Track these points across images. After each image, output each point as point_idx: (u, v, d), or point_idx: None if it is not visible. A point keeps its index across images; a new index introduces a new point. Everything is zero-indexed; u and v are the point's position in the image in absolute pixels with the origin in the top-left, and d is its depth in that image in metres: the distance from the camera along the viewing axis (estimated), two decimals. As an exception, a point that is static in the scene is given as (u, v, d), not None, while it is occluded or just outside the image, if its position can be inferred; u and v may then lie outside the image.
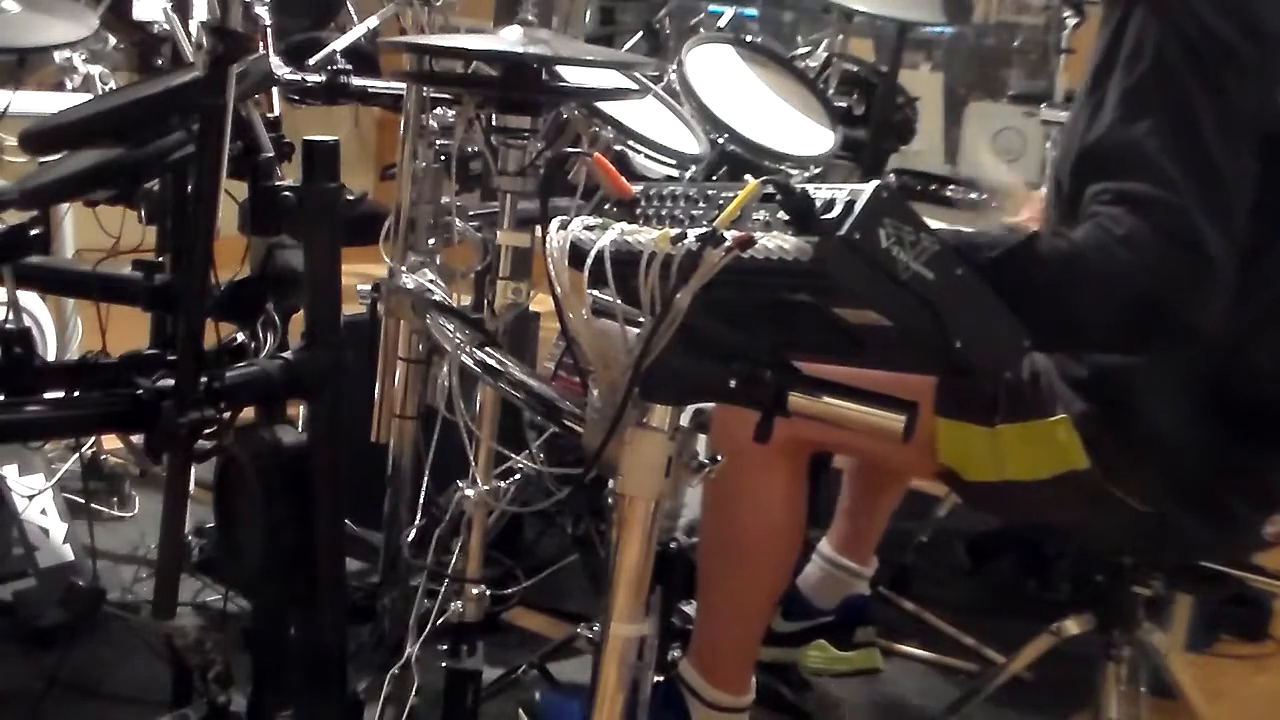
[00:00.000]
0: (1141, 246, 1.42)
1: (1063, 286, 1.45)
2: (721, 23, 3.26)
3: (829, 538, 2.37)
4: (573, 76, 1.91)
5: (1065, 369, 1.65)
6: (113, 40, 2.82)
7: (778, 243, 1.06)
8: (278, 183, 1.95)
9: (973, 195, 2.67)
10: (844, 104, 2.96)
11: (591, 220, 1.25)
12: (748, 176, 1.14)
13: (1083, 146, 1.53)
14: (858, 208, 1.04)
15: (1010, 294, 1.12)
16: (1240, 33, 1.48)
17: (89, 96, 2.67)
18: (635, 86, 2.00)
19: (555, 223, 1.25)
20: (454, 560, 1.80)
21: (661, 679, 1.97)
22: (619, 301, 1.17)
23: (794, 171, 2.27)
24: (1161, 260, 1.42)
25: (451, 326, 1.68)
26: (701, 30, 2.91)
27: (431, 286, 1.82)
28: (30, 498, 2.47)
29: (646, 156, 2.14)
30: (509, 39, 1.65)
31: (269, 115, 2.17)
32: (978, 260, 1.43)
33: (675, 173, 2.16)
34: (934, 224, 1.10)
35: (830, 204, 1.05)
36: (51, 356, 2.93)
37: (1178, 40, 1.47)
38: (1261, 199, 1.49)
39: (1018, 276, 1.42)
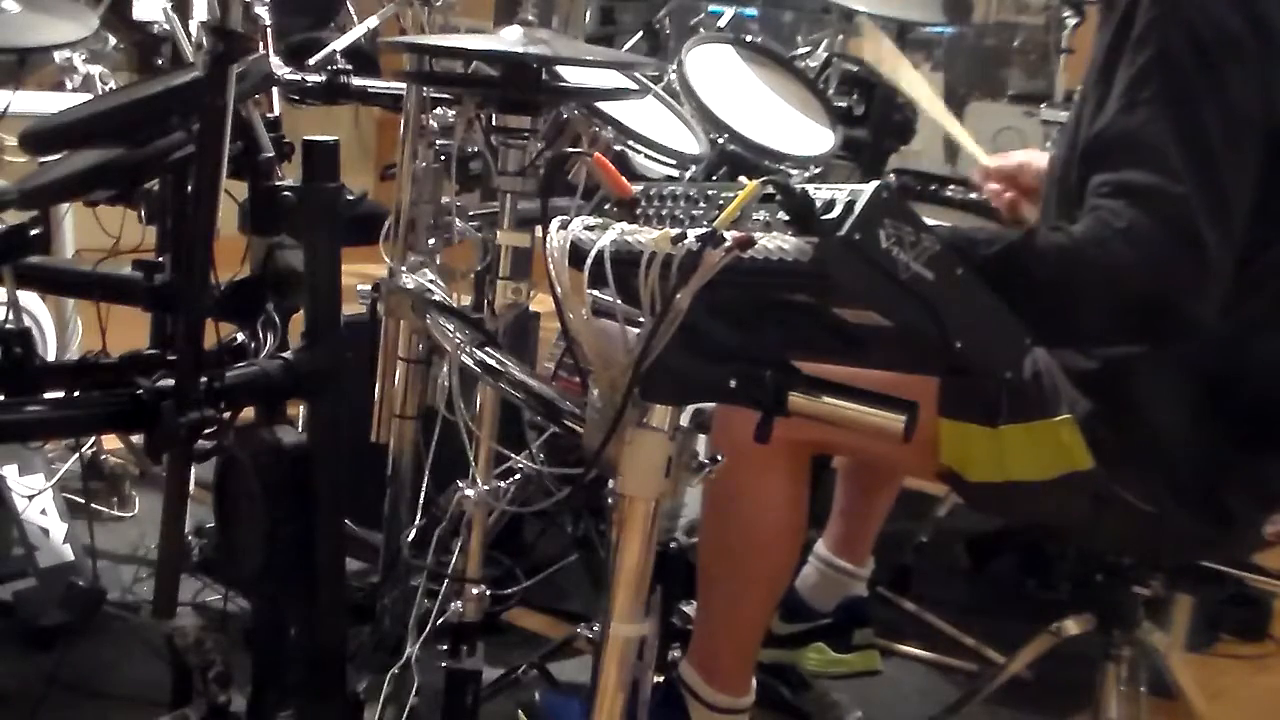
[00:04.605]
0: (1141, 240, 1.42)
1: (1062, 281, 1.45)
2: (721, 23, 3.26)
3: (825, 539, 2.36)
4: (573, 76, 1.91)
5: (1070, 363, 1.65)
6: (113, 40, 2.82)
7: (778, 243, 1.06)
8: (278, 183, 1.95)
9: (973, 195, 2.67)
10: (844, 104, 2.96)
11: (591, 220, 1.25)
12: (742, 178, 1.14)
13: (1086, 138, 1.53)
14: (858, 208, 1.04)
15: (1009, 289, 1.12)
16: (1248, 27, 1.48)
17: (89, 96, 2.67)
18: (635, 86, 2.00)
19: (555, 223, 1.25)
20: (454, 560, 1.80)
21: (661, 679, 1.97)
22: (619, 301, 1.17)
23: (794, 171, 2.27)
24: (1160, 254, 1.42)
25: (451, 326, 1.68)
26: (701, 30, 2.91)
27: (431, 286, 1.82)
28: (30, 498, 2.47)
29: (646, 156, 2.14)
30: (509, 39, 1.65)
31: (269, 115, 2.17)
32: (976, 256, 1.43)
33: (675, 173, 2.15)
34: (932, 222, 1.10)
35: (830, 204, 1.06)
36: (51, 356, 2.93)
37: (1183, 31, 1.47)
38: (1264, 197, 1.49)
39: (1017, 271, 1.42)
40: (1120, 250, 1.42)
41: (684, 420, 1.23)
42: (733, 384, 1.17)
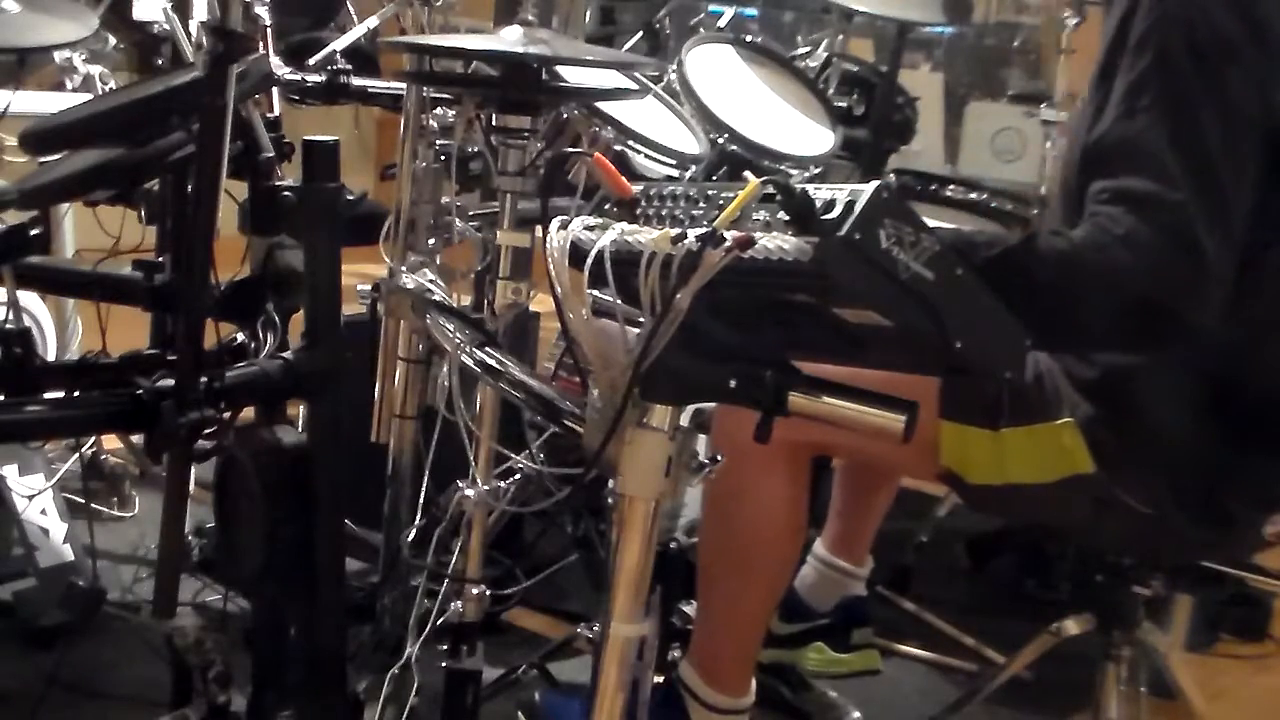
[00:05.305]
0: (1140, 246, 1.42)
1: (1061, 286, 1.45)
2: (721, 23, 3.26)
3: (823, 539, 2.36)
4: (573, 76, 1.91)
5: (1072, 370, 1.65)
6: (113, 40, 2.82)
7: (778, 243, 1.06)
8: (278, 183, 1.95)
9: (973, 195, 2.67)
10: (844, 104, 2.96)
11: (591, 220, 1.25)
12: (748, 174, 1.14)
13: (1086, 144, 1.53)
14: (858, 208, 1.04)
15: (1009, 292, 1.12)
16: (1247, 32, 1.48)
17: (89, 96, 2.67)
18: (635, 86, 2.00)
19: (555, 223, 1.25)
20: (454, 560, 1.80)
21: (661, 679, 1.97)
22: (619, 301, 1.17)
23: (794, 171, 2.27)
24: (1159, 260, 1.42)
25: (451, 326, 1.68)
26: (701, 30, 2.91)
27: (431, 286, 1.82)
28: (30, 498, 2.47)
29: (646, 156, 2.14)
30: (509, 39, 1.65)
31: (269, 115, 2.16)
32: (976, 259, 1.43)
33: (675, 173, 2.15)
34: (933, 224, 1.10)
35: (830, 204, 1.06)
36: (51, 356, 2.93)
37: (1182, 36, 1.47)
38: (1264, 200, 1.49)
39: (1017, 276, 1.42)
40: (1119, 256, 1.42)
41: (684, 420, 1.23)
42: (733, 384, 1.17)
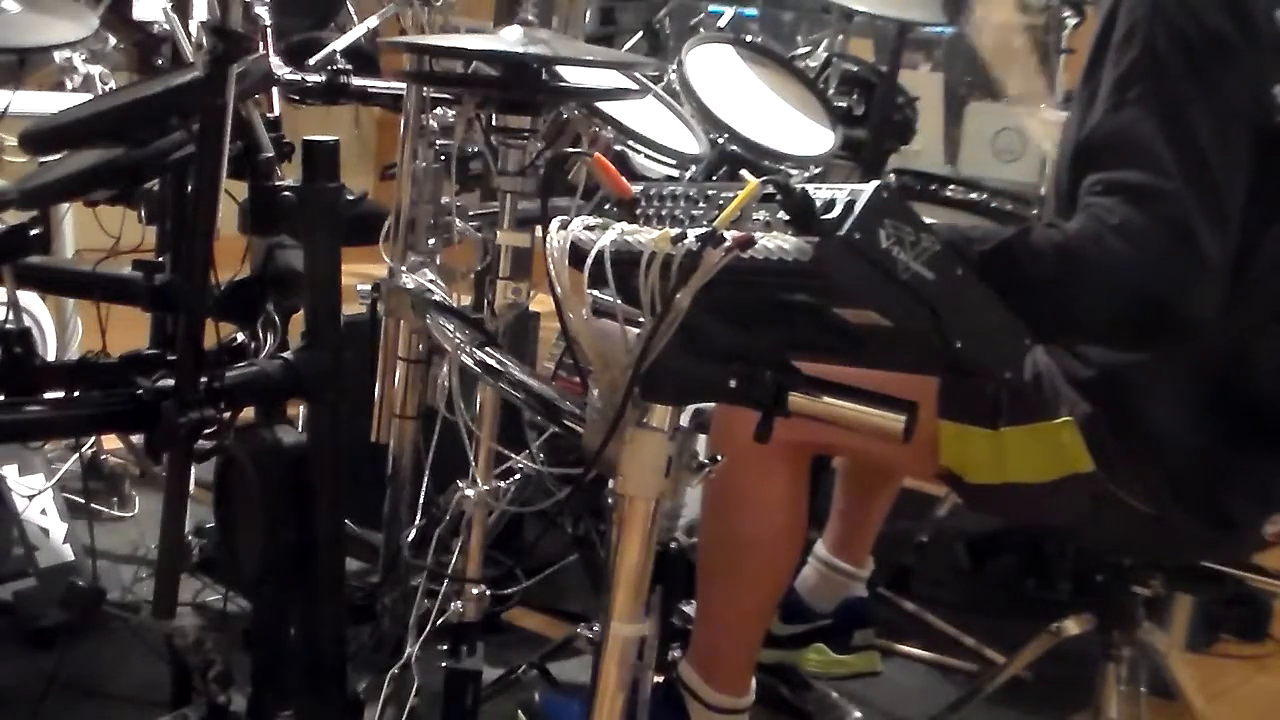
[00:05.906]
0: (1135, 236, 1.41)
1: (1057, 278, 1.45)
2: (721, 23, 3.27)
3: (824, 540, 2.36)
4: (573, 76, 1.91)
5: (1069, 370, 1.65)
6: (113, 40, 2.82)
7: (778, 243, 1.06)
8: (278, 183, 1.95)
9: (973, 195, 2.67)
10: (844, 104, 2.96)
11: (591, 220, 1.25)
12: (744, 173, 1.14)
13: (1078, 140, 1.53)
14: (858, 208, 1.04)
15: (1004, 287, 1.12)
16: (1233, 25, 1.48)
17: (89, 96, 2.68)
18: (635, 86, 2.00)
19: (555, 223, 1.25)
20: (454, 560, 1.80)
21: (661, 679, 1.97)
22: (619, 301, 1.17)
23: (794, 171, 2.27)
24: (1155, 250, 1.42)
25: (451, 326, 1.68)
26: (701, 30, 2.91)
27: (431, 286, 1.82)
28: (30, 498, 2.47)
29: (646, 156, 2.14)
30: (509, 39, 1.65)
31: (269, 115, 2.16)
32: (971, 253, 1.43)
33: (675, 173, 2.15)
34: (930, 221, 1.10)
35: (830, 204, 1.05)
36: (51, 356, 2.93)
37: (1167, 29, 1.47)
38: (1256, 194, 1.49)
39: (1011, 269, 1.42)
40: (1115, 246, 1.42)
41: (684, 420, 1.23)
42: (733, 384, 1.17)
